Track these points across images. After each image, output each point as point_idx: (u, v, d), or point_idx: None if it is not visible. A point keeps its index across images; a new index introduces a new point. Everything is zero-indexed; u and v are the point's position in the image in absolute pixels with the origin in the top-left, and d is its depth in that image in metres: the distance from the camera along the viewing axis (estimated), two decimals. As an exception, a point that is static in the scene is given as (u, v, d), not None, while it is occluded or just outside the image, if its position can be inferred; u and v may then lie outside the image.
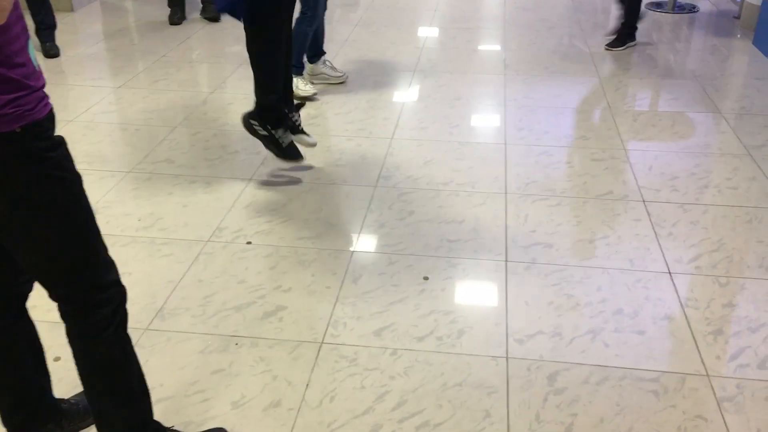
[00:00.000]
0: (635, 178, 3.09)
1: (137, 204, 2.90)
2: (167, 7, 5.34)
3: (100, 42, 4.91)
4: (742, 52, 4.75)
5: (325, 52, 4.14)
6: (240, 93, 4.05)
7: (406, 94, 4.06)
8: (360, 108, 3.86)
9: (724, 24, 5.36)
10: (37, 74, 1.36)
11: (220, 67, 4.43)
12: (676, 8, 5.59)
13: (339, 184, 3.08)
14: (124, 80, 4.22)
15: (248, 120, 3.02)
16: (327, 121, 3.74)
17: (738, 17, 5.40)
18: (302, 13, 3.79)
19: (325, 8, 3.94)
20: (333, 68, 4.16)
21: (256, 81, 2.97)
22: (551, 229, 2.73)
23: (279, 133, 3.01)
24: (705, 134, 3.54)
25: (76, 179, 1.44)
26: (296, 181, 3.09)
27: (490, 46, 4.92)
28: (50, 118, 1.38)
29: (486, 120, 3.73)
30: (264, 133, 3.01)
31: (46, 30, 4.56)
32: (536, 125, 3.65)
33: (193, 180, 3.10)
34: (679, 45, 4.95)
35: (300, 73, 3.92)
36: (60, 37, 4.83)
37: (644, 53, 4.75)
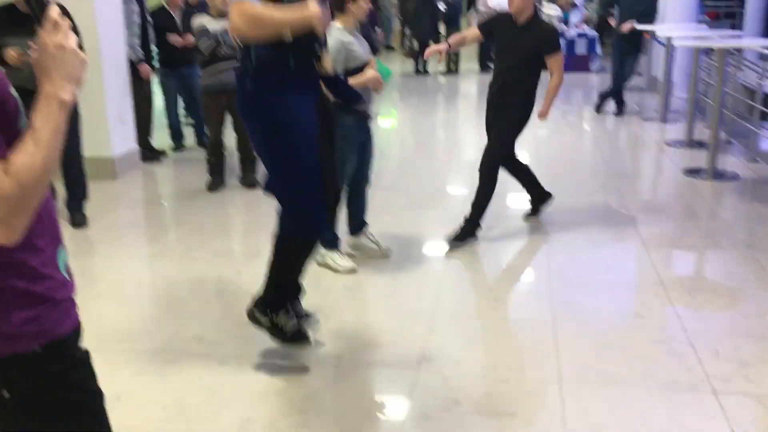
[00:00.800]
0: (701, 365, 2.83)
1: (163, 390, 2.70)
2: (207, 173, 5.43)
3: (137, 209, 4.95)
4: (791, 220, 4.60)
5: (367, 224, 4.07)
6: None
7: (445, 265, 3.92)
8: (398, 281, 3.72)
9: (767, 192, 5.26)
10: (64, 284, 1.23)
11: (257, 236, 4.36)
12: (715, 176, 5.54)
13: (378, 366, 2.87)
14: (158, 249, 4.17)
15: (252, 311, 2.86)
16: (364, 294, 3.59)
17: (781, 185, 5.31)
18: None
19: (368, 181, 3.91)
20: (376, 241, 4.06)
21: (271, 279, 2.79)
22: (616, 426, 2.45)
23: (281, 319, 2.80)
24: (769, 312, 3.31)
25: (97, 400, 1.28)
26: (332, 364, 2.89)
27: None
28: (75, 334, 1.24)
29: (531, 294, 3.55)
30: (267, 324, 2.82)
31: (76, 200, 4.57)
32: (584, 300, 3.46)
33: (224, 361, 2.92)
34: (724, 213, 4.83)
35: (335, 247, 3.84)
36: (99, 205, 4.88)
37: (687, 222, 4.62)
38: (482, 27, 4.27)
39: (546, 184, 5.48)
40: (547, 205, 4.61)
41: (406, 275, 3.78)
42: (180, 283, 3.70)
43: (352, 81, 3.38)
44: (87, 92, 4.87)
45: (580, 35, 11.89)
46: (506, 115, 4.11)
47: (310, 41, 2.53)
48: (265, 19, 2.33)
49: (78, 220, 4.50)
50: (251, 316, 2.86)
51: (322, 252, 3.82)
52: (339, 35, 3.48)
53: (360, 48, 3.54)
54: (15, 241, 1.08)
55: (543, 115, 4.17)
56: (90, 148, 4.98)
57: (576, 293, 3.54)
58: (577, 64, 11.91)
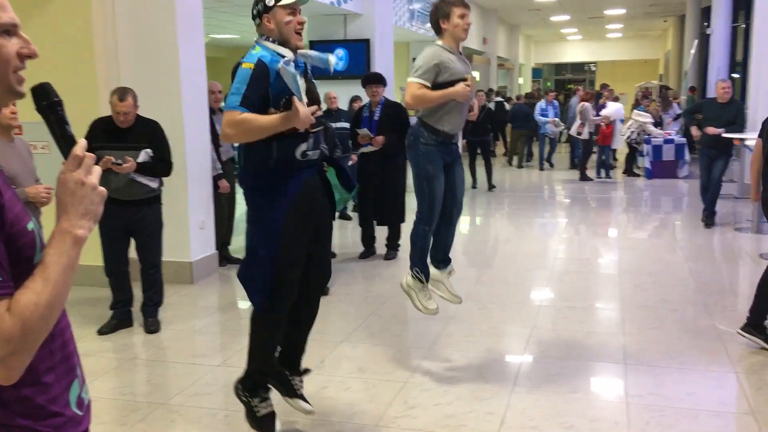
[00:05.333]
0: None
1: None
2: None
3: (210, 316, 5.02)
4: None
5: (450, 260, 3.94)
6: (337, 375, 3.87)
7: (513, 385, 3.72)
8: (462, 398, 3.54)
9: None
10: (74, 420, 1.21)
11: (322, 344, 4.27)
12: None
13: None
14: (225, 358, 4.17)
15: (236, 383, 3.10)
16: (424, 412, 3.42)
17: None
18: (418, 213, 3.66)
19: (459, 209, 3.81)
20: (452, 287, 3.93)
21: (250, 350, 3.06)
22: None
23: (255, 402, 3.04)
24: None
25: None
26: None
27: (607, 329, 4.59)
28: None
29: (607, 422, 3.29)
30: (244, 399, 3.06)
31: (151, 306, 4.66)
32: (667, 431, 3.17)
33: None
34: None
35: (423, 280, 3.74)
36: (175, 310, 4.98)
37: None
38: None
39: (627, 297, 5.22)
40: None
41: (472, 394, 3.59)
42: (241, 394, 3.65)
43: (438, 92, 3.43)
44: (171, 200, 5.08)
45: (667, 141, 11.65)
46: None
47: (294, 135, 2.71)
48: (250, 123, 2.60)
49: (151, 326, 4.59)
50: (235, 389, 3.11)
51: (407, 281, 3.78)
52: (436, 48, 3.51)
53: (457, 66, 3.51)
54: (12, 381, 1.06)
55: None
56: (170, 253, 5.15)
57: (656, 422, 3.25)
58: (664, 170, 11.62)
